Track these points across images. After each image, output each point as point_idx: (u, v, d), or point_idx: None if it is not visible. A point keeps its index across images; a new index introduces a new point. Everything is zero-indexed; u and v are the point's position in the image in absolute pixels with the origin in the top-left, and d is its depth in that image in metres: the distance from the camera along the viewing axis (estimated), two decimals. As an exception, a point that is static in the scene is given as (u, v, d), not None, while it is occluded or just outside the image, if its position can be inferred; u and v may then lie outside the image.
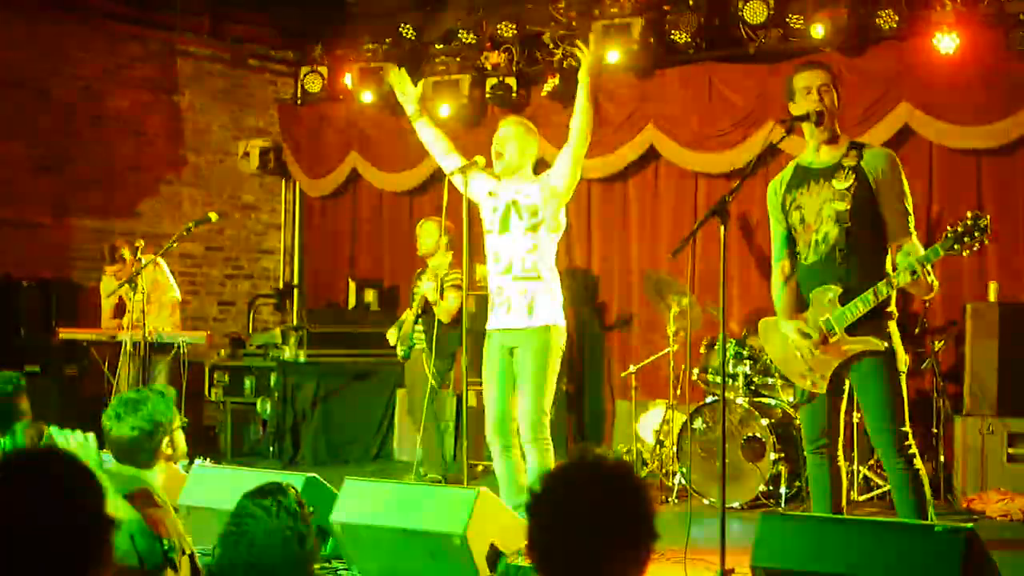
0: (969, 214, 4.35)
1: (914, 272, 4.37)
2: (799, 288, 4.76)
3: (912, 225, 4.59)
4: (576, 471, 2.29)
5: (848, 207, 4.54)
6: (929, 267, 4.43)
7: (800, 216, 4.69)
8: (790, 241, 4.79)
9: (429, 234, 7.78)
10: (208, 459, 6.83)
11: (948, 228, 4.39)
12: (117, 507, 3.13)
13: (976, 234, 4.32)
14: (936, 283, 4.52)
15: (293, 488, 2.97)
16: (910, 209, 4.60)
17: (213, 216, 7.27)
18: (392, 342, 7.96)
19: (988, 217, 4.36)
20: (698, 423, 7.17)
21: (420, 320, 7.77)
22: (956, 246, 4.34)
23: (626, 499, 2.23)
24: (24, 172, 9.33)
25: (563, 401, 8.81)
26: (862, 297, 4.48)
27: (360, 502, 5.00)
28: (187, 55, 10.48)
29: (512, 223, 5.52)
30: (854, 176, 4.57)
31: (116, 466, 3.64)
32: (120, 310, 8.39)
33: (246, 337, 10.23)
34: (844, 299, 4.54)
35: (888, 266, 4.59)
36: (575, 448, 5.30)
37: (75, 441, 3.51)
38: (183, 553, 3.41)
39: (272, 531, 2.86)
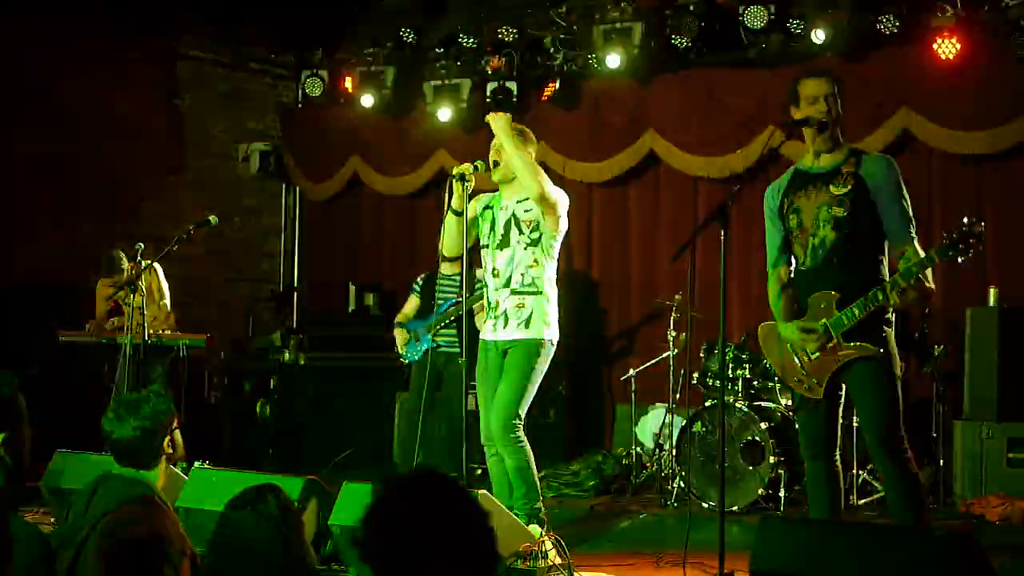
0: (964, 220, 4.31)
1: (904, 290, 4.36)
2: (797, 293, 4.75)
3: (913, 230, 4.55)
4: (416, 486, 2.28)
5: (846, 213, 4.53)
6: (928, 272, 4.43)
7: (798, 220, 4.67)
8: (787, 245, 4.77)
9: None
10: (207, 462, 6.83)
11: (943, 235, 4.37)
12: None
13: (971, 240, 4.29)
14: (933, 287, 4.50)
15: (273, 493, 2.95)
16: (910, 214, 4.58)
17: (213, 219, 7.25)
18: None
19: (983, 224, 4.32)
20: (697, 427, 7.17)
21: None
22: (951, 252, 4.31)
23: (462, 519, 2.23)
24: (25, 175, 9.32)
25: (562, 405, 8.83)
26: (858, 303, 4.46)
27: (358, 505, 5.00)
28: (188, 58, 10.48)
29: (512, 238, 5.48)
30: (852, 182, 4.55)
31: (117, 468, 3.64)
32: (114, 312, 8.38)
33: (246, 340, 10.22)
34: (841, 304, 4.52)
35: (886, 271, 4.59)
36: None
37: None
38: (184, 555, 3.41)
39: (254, 539, 2.84)
